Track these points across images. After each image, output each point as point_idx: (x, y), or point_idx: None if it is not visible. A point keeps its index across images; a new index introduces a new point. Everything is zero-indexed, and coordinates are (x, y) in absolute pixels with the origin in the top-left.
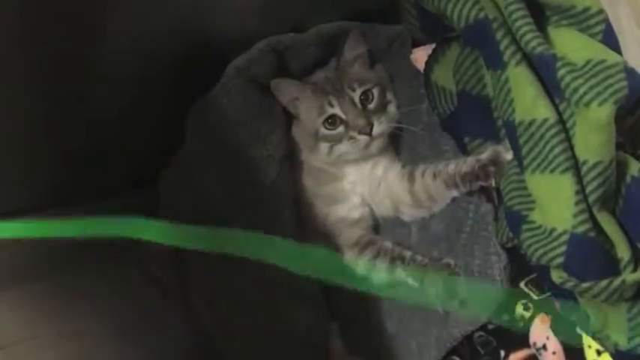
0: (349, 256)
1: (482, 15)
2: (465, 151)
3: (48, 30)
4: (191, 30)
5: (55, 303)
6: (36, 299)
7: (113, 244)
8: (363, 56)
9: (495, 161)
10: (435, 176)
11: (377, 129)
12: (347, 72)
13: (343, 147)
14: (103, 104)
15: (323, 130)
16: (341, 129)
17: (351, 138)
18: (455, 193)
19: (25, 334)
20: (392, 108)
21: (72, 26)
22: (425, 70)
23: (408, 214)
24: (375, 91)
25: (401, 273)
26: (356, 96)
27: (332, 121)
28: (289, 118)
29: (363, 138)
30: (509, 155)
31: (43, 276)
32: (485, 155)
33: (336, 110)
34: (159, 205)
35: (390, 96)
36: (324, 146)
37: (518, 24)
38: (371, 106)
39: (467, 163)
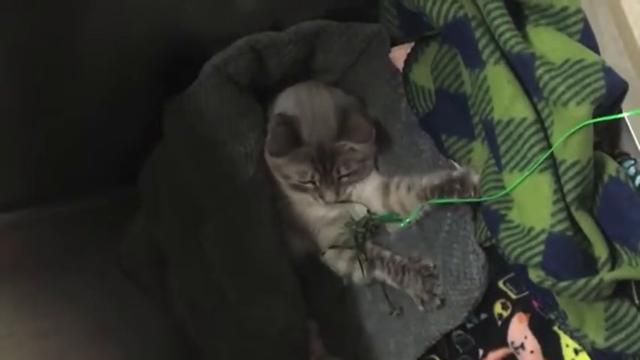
0: (328, 256)
1: (461, 13)
2: (442, 149)
3: (27, 25)
4: (170, 27)
5: (33, 301)
6: (14, 297)
7: (91, 241)
8: (366, 153)
9: (462, 180)
10: (409, 189)
11: (341, 197)
12: (342, 154)
13: (306, 194)
14: (81, 101)
15: (293, 180)
16: (310, 185)
17: (314, 197)
18: (427, 205)
19: (3, 332)
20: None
21: (50, 22)
22: (404, 69)
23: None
24: (354, 169)
25: (380, 274)
26: (336, 175)
27: (305, 179)
28: (267, 117)
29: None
30: (476, 178)
31: (20, 274)
32: (456, 172)
33: (315, 180)
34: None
35: (368, 164)
36: (286, 183)
37: (496, 23)
38: (345, 179)
39: (438, 177)
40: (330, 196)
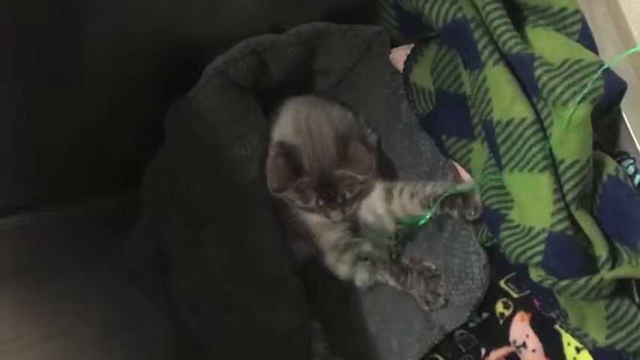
0: (330, 260)
1: (460, 15)
2: (442, 149)
3: (28, 28)
4: (171, 31)
5: (39, 304)
6: (19, 300)
7: (95, 244)
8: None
9: (465, 197)
10: (412, 196)
11: (347, 214)
12: (344, 180)
13: (311, 213)
14: (83, 104)
15: (298, 202)
16: (314, 205)
17: (321, 216)
18: (429, 213)
19: (8, 335)
20: (369, 191)
21: (52, 27)
22: (404, 70)
23: (389, 225)
24: (358, 190)
25: (382, 275)
26: (341, 200)
27: (310, 205)
28: (269, 120)
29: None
30: (479, 198)
31: (26, 277)
32: (460, 187)
33: (320, 204)
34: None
35: (371, 183)
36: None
37: (495, 24)
38: (350, 199)
39: (442, 187)
40: (336, 216)
